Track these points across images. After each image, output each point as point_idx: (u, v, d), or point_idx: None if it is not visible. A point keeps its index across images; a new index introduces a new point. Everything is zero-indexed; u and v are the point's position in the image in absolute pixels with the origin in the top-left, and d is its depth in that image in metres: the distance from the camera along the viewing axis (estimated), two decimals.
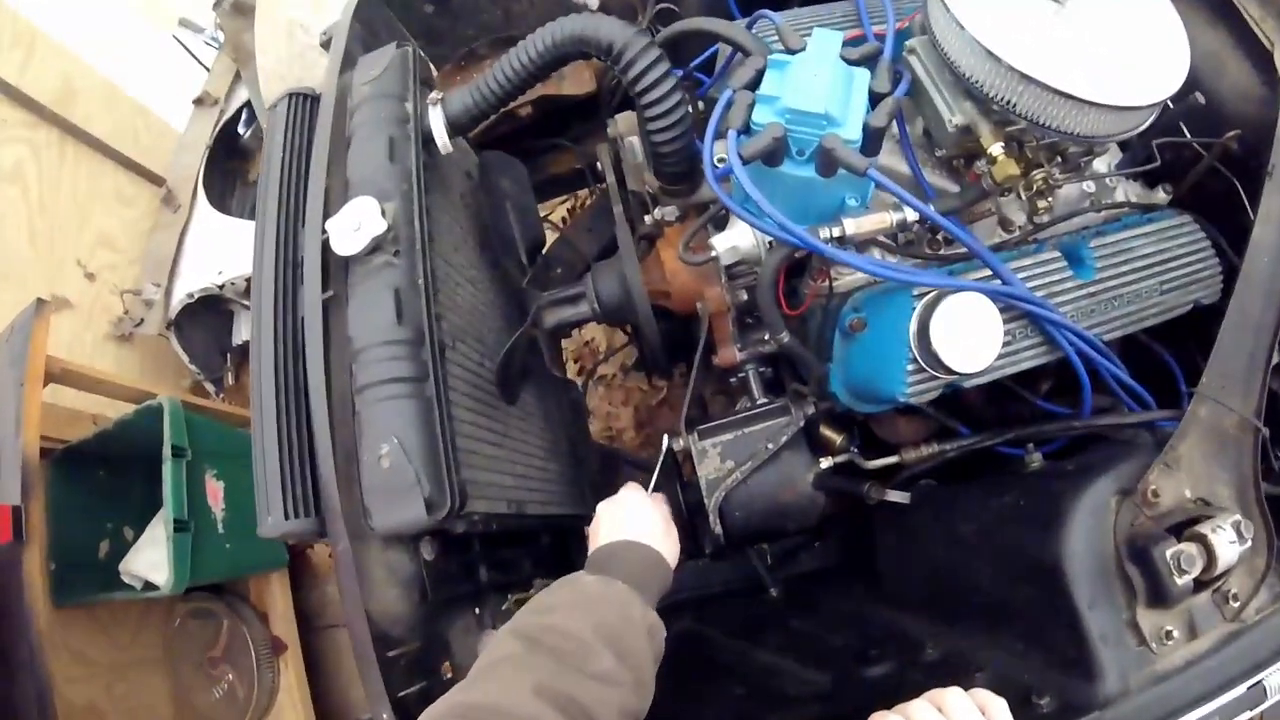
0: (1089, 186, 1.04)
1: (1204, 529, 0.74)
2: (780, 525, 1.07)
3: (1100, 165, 1.04)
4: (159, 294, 1.93)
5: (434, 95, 1.04)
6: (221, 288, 1.95)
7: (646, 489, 0.97)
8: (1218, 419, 0.82)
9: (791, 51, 0.90)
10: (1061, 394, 1.05)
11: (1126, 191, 1.05)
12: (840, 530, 1.34)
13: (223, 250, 2.00)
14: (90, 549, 1.64)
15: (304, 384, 0.88)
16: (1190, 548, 0.73)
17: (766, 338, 1.11)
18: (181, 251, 2.00)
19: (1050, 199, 0.97)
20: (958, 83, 0.90)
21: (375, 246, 0.88)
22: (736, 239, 0.93)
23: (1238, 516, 0.75)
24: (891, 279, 0.84)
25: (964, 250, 0.92)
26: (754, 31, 1.01)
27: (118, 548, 1.67)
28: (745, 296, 1.09)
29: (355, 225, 0.88)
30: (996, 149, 0.87)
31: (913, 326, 0.89)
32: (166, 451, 1.58)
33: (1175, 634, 0.72)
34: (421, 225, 0.94)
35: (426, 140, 1.02)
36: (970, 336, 0.87)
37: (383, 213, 0.89)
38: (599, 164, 1.32)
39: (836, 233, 0.88)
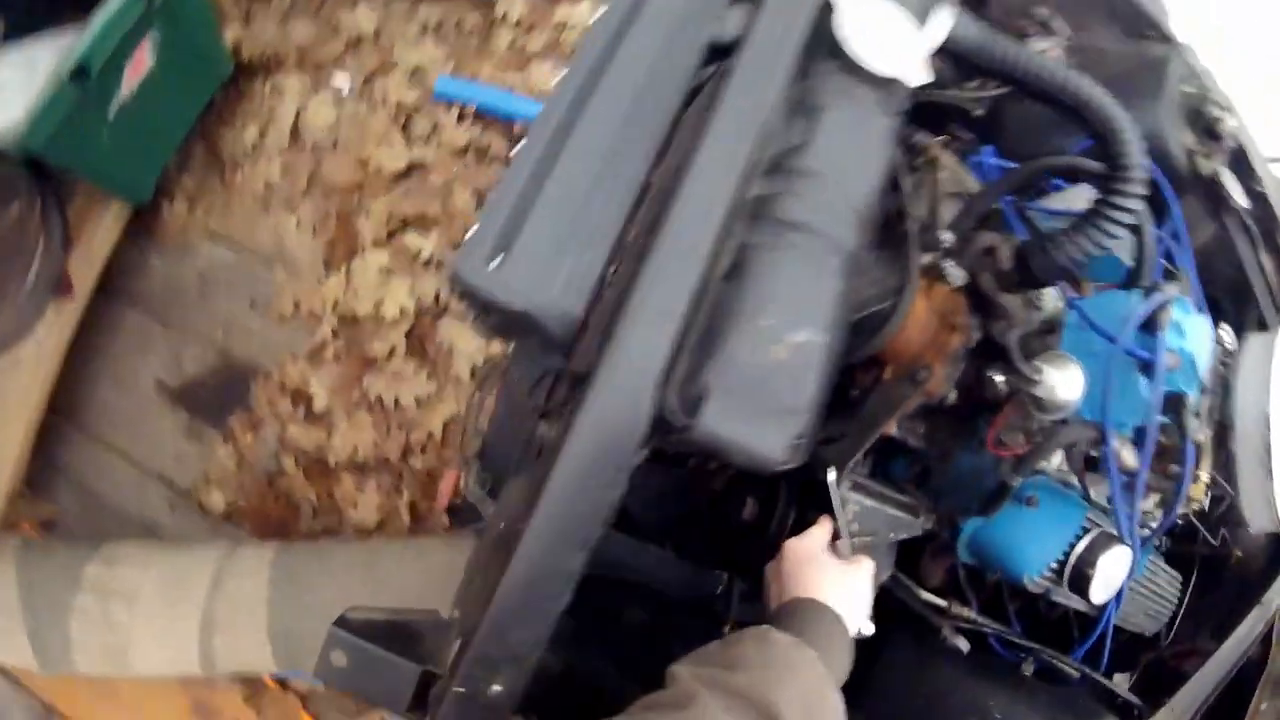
0: None
1: None
2: None
3: None
4: None
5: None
6: None
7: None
8: None
9: None
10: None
11: None
12: None
13: None
14: None
15: (660, 116, 0.60)
16: None
17: (922, 431, 1.13)
18: None
19: None
20: None
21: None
22: (1067, 386, 0.93)
23: None
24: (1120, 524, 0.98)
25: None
26: None
27: None
28: (955, 396, 1.09)
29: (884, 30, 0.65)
30: None
31: (1081, 546, 1.01)
32: None
33: None
34: None
35: None
36: (1109, 578, 0.99)
37: None
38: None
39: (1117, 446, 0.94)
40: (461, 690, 0.51)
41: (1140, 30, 1.28)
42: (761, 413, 0.53)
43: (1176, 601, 1.30)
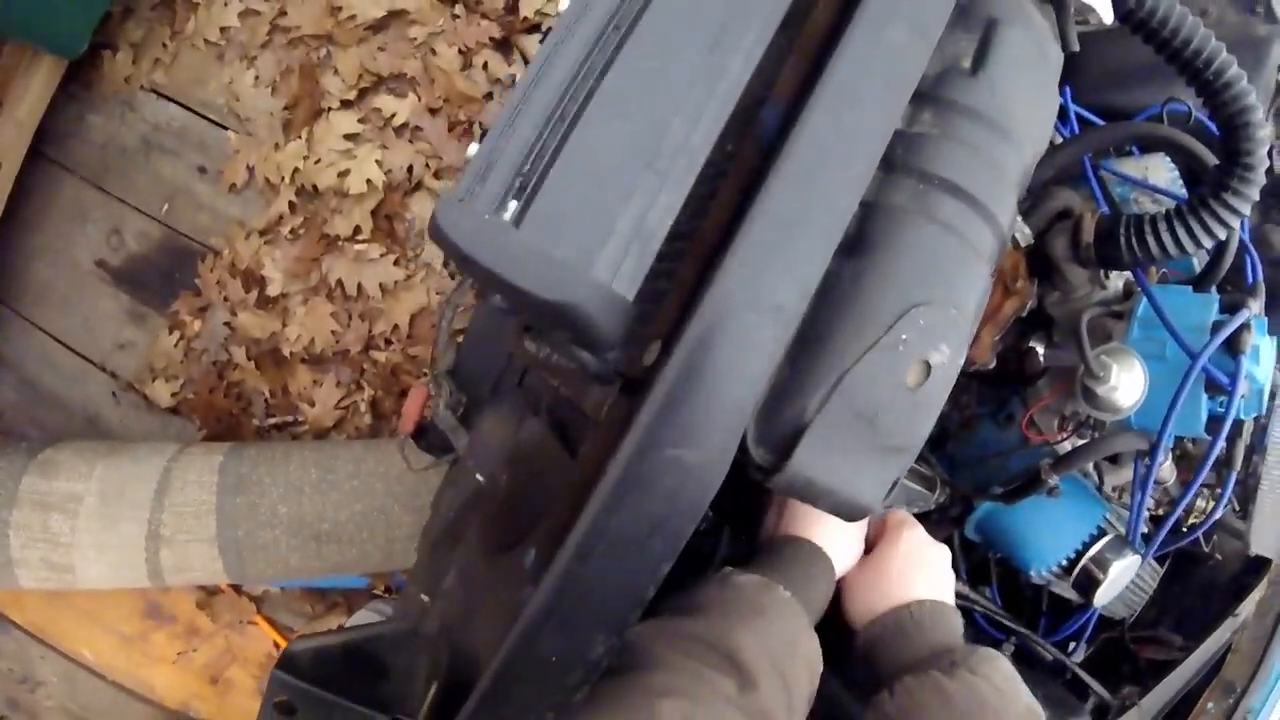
0: None
1: None
2: None
3: None
4: None
5: None
6: None
7: None
8: None
9: None
10: None
11: None
12: None
13: None
14: None
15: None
16: None
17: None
18: None
19: None
20: None
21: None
22: (1129, 391, 0.84)
23: None
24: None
25: None
26: None
27: None
28: (994, 364, 1.00)
29: None
30: None
31: (1095, 549, 0.97)
32: None
33: None
34: None
35: None
36: (1115, 583, 0.99)
37: None
38: None
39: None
40: None
41: (1250, 2, 1.11)
42: (866, 452, 0.37)
43: (1150, 591, 1.28)
